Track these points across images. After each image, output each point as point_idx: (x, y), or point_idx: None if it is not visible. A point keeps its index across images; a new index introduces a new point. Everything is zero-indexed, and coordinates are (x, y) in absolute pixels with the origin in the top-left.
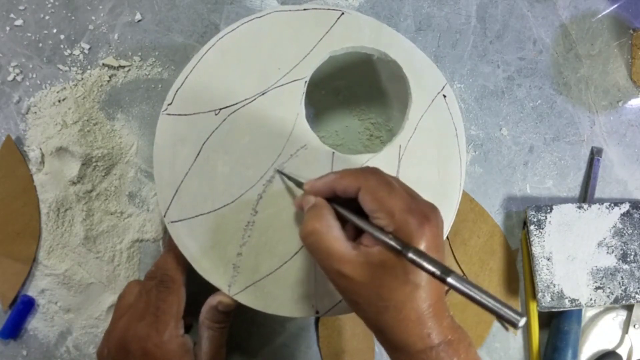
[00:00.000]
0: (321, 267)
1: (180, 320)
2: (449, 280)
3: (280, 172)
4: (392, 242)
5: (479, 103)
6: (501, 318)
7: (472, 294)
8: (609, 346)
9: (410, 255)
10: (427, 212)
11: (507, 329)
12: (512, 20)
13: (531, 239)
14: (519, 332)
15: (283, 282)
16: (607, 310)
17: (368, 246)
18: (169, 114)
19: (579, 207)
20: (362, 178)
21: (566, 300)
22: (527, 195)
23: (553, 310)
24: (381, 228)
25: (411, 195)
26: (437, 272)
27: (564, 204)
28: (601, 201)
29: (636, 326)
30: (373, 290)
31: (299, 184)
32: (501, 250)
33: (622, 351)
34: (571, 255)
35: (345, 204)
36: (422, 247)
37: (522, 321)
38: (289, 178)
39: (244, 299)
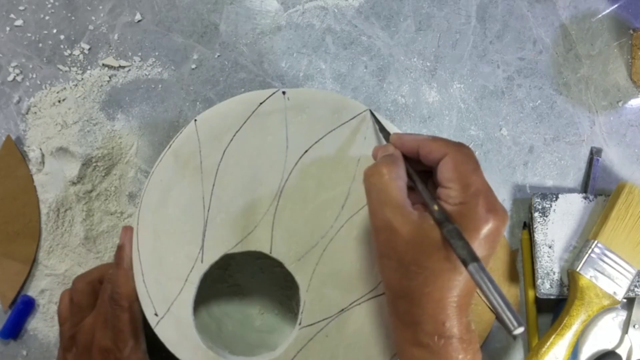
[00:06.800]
0: (371, 210)
1: (140, 336)
2: (470, 267)
3: (372, 113)
4: (436, 211)
5: (479, 103)
6: (501, 321)
7: (484, 286)
8: (609, 346)
9: (447, 228)
10: (498, 208)
11: (510, 332)
12: (512, 20)
13: (534, 226)
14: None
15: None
16: (606, 310)
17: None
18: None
19: (585, 197)
20: (453, 148)
21: (565, 289)
22: (527, 195)
23: (551, 297)
24: (438, 198)
25: (491, 189)
26: (463, 255)
27: (570, 193)
28: (606, 193)
29: (636, 326)
30: (412, 252)
31: (386, 134)
32: (501, 250)
33: (622, 351)
34: (573, 244)
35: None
36: (480, 233)
37: (519, 330)
38: (377, 122)
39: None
